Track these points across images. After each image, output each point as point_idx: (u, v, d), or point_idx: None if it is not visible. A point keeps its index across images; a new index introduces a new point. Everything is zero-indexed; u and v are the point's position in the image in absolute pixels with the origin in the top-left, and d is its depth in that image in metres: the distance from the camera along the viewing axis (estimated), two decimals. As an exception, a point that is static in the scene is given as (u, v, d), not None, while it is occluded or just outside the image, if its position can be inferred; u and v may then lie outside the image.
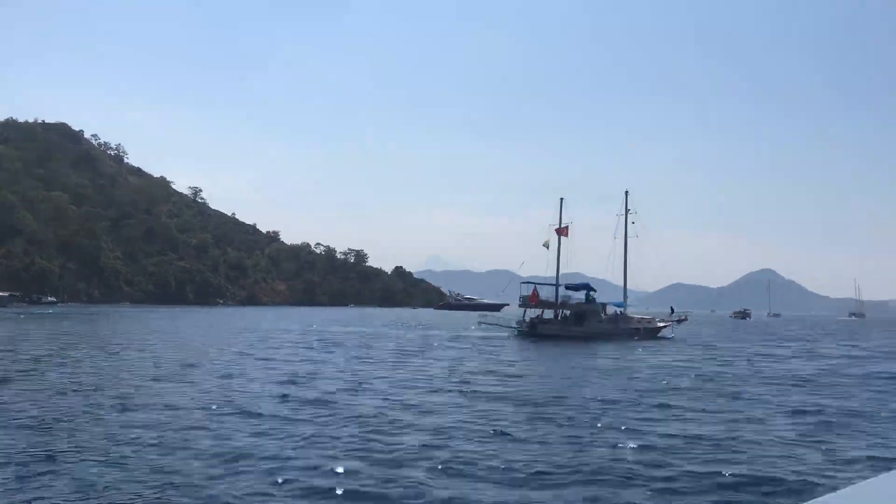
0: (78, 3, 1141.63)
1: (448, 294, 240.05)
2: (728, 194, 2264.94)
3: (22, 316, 78.76)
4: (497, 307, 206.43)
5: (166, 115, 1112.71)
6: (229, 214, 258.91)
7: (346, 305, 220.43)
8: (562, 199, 65.74)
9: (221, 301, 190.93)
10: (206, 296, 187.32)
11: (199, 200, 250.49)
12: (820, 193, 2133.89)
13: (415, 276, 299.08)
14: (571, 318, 59.92)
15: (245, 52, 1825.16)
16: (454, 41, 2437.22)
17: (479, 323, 71.62)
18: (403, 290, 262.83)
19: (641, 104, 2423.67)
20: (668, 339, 59.41)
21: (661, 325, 62.37)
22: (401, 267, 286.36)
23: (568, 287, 63.69)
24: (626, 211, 65.30)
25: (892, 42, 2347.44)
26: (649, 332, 59.91)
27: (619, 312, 62.33)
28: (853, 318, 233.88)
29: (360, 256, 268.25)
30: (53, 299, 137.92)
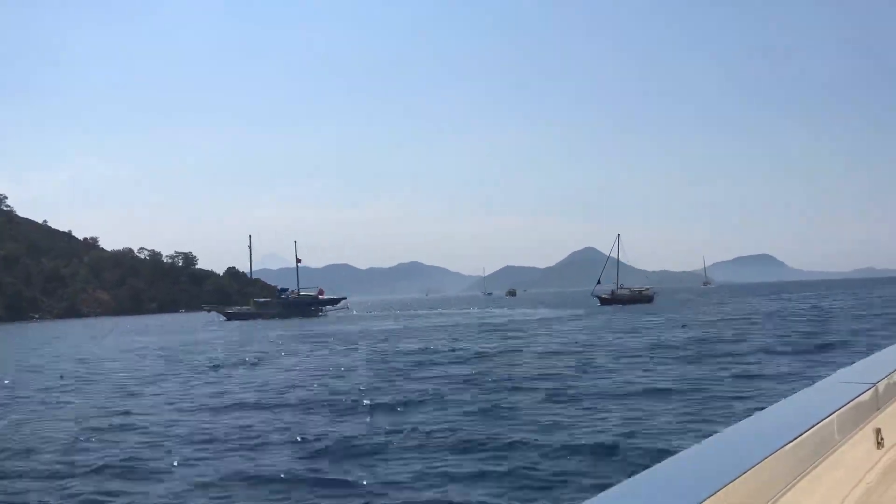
0: None
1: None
2: (553, 178, 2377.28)
3: None
4: (334, 301, 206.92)
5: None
6: (41, 222, 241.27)
7: (178, 311, 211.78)
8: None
9: (37, 316, 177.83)
10: (20, 311, 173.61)
11: (6, 208, 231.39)
12: (636, 172, 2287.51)
13: (249, 276, 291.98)
14: None
15: (47, 44, 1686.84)
16: (277, 14, 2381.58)
17: None
18: (239, 290, 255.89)
19: (450, 91, 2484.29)
20: None
21: None
22: (234, 267, 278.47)
23: None
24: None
25: None
26: None
27: None
28: (708, 286, 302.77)
29: (189, 259, 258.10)
30: None
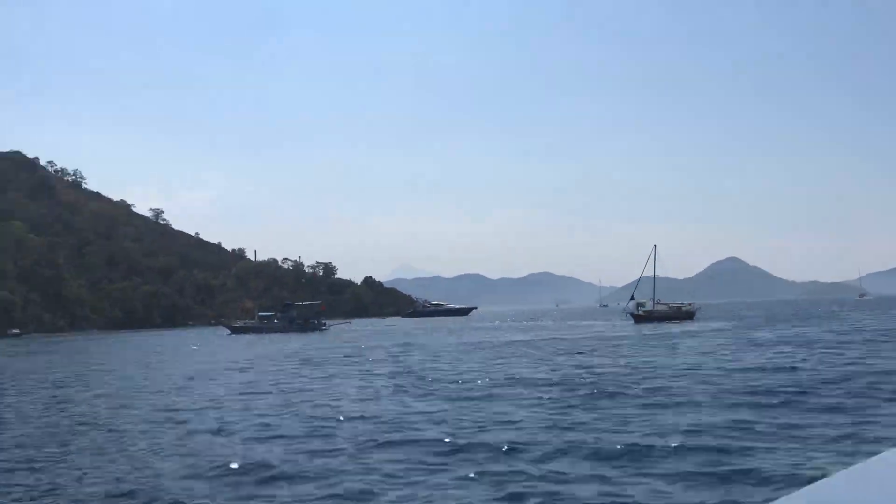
0: (22, 29, 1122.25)
1: (416, 301, 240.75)
2: (688, 185, 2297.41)
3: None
4: (465, 311, 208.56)
5: (122, 138, 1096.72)
6: (193, 235, 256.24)
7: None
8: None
9: (191, 322, 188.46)
10: (174, 319, 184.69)
11: (162, 222, 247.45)
12: (782, 178, 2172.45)
13: (385, 284, 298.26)
14: None
15: (192, 72, 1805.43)
16: (400, 42, 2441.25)
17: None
18: (374, 300, 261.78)
19: (591, 96, 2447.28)
20: None
21: None
22: (370, 277, 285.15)
23: None
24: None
25: (865, 21, 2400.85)
26: None
27: None
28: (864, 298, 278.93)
29: (329, 269, 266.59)
30: (17, 331, 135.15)
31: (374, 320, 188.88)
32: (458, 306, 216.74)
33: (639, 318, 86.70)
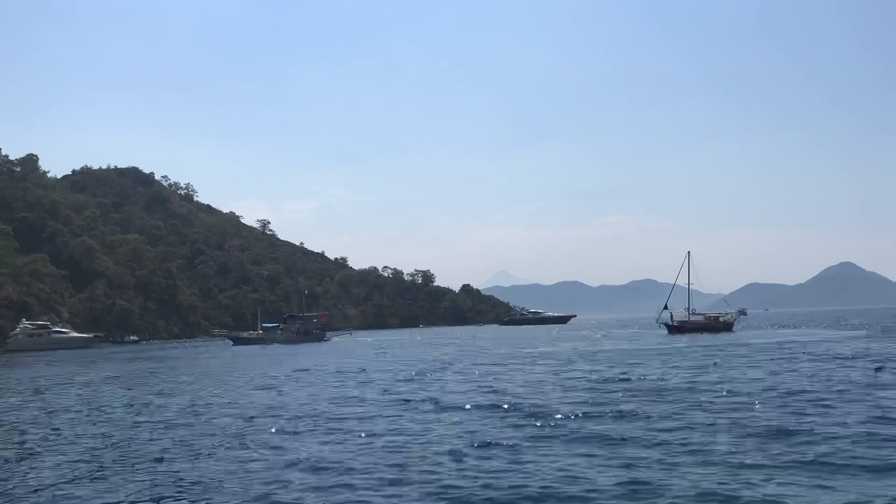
0: (136, 51, 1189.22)
1: (512, 309, 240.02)
2: (798, 189, 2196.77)
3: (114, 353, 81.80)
4: (564, 319, 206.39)
5: (229, 152, 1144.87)
6: (297, 244, 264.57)
7: (417, 326, 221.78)
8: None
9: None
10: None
11: (268, 233, 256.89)
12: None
13: (483, 292, 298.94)
14: None
15: (294, 85, 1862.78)
16: (495, 46, 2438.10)
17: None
18: (472, 307, 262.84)
19: (695, 101, 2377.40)
20: None
21: None
22: (468, 284, 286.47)
23: None
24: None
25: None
26: None
27: None
28: None
29: (427, 277, 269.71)
30: (135, 338, 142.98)
31: (471, 328, 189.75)
32: (556, 314, 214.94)
33: (672, 329, 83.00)
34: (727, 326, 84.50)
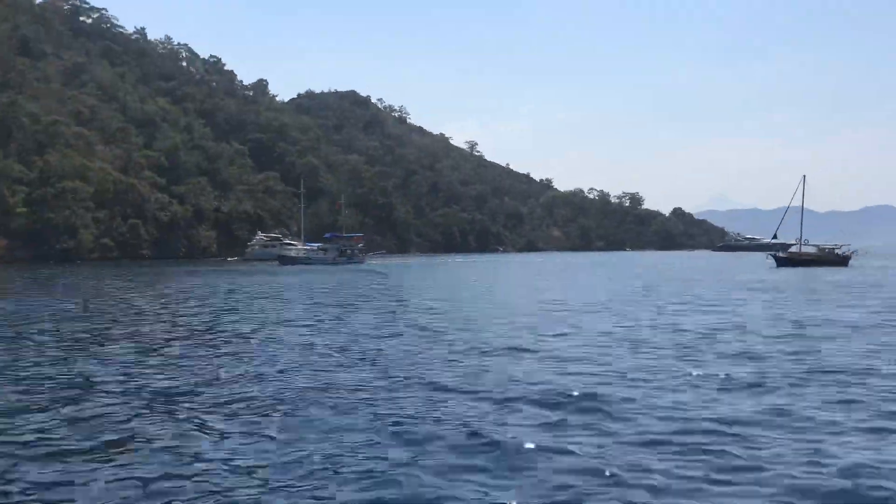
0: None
1: (728, 234, 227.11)
2: None
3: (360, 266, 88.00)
4: (785, 247, 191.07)
5: (441, 74, 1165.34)
6: (504, 165, 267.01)
7: (624, 250, 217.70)
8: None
9: (501, 248, 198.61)
10: (486, 244, 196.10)
11: (476, 154, 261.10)
12: None
13: (696, 216, 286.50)
14: None
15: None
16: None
17: None
18: (683, 232, 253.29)
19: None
20: None
21: None
22: (679, 208, 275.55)
23: None
24: None
25: None
26: None
27: None
28: None
29: (636, 199, 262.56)
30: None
31: (682, 253, 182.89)
32: (776, 241, 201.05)
33: (781, 262, 75.35)
34: (844, 260, 76.28)
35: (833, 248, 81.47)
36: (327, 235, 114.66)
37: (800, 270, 66.00)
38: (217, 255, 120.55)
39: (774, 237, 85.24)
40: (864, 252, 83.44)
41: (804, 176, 79.26)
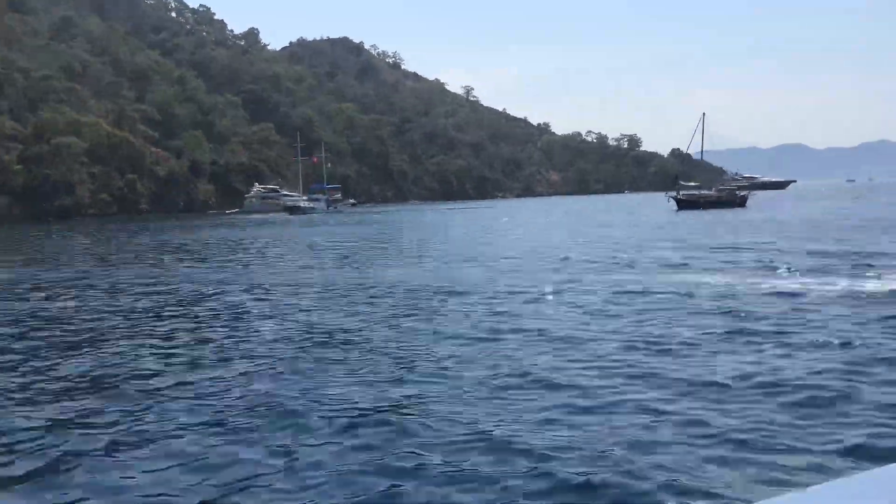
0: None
1: (725, 173, 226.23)
2: None
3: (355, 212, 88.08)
4: (782, 185, 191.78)
5: (432, 19, 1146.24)
6: (500, 110, 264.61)
7: (622, 192, 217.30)
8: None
9: (501, 194, 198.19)
10: (484, 191, 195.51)
11: (472, 99, 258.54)
12: None
13: (694, 157, 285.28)
14: None
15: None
16: None
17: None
18: (683, 172, 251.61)
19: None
20: None
21: None
22: (678, 149, 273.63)
23: None
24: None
25: None
26: None
27: None
28: None
29: (634, 141, 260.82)
30: (354, 202, 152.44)
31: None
32: (773, 179, 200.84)
33: (682, 204, 73.15)
34: (742, 202, 74.81)
35: (733, 189, 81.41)
36: (313, 186, 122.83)
37: (699, 213, 64.41)
38: (216, 209, 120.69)
39: (676, 179, 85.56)
40: (869, 188, 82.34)
41: (703, 114, 79.94)
